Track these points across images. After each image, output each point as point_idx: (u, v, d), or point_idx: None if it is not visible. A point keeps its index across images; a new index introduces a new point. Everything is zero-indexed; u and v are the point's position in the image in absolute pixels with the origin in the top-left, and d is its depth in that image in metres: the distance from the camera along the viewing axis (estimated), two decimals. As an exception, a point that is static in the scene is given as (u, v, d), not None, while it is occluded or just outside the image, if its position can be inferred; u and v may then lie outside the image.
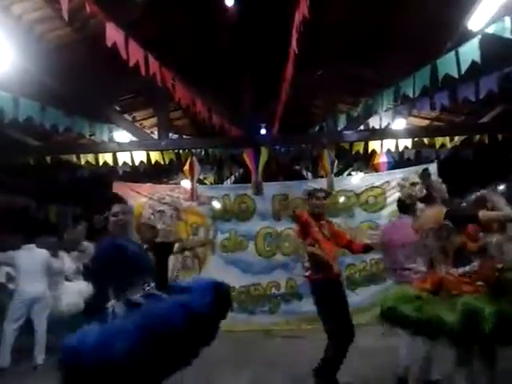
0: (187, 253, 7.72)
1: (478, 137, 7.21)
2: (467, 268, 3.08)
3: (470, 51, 3.72)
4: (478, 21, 4.29)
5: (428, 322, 2.86)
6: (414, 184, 3.44)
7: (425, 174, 3.65)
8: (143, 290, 2.93)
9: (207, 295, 2.83)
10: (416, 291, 3.14)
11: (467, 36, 4.05)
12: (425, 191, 3.38)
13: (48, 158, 7.33)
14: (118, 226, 3.20)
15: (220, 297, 2.92)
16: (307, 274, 4.13)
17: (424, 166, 7.55)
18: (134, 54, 3.81)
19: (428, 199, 3.38)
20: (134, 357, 2.45)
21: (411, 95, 4.80)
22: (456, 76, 3.96)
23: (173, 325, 2.58)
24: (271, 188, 7.66)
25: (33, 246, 5.88)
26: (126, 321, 2.65)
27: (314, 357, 4.08)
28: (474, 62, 3.69)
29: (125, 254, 2.99)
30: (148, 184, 8.68)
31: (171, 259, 7.64)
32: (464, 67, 3.79)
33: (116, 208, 3.27)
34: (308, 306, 7.05)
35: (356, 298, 7.21)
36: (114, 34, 3.56)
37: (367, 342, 5.86)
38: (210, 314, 2.79)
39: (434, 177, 7.28)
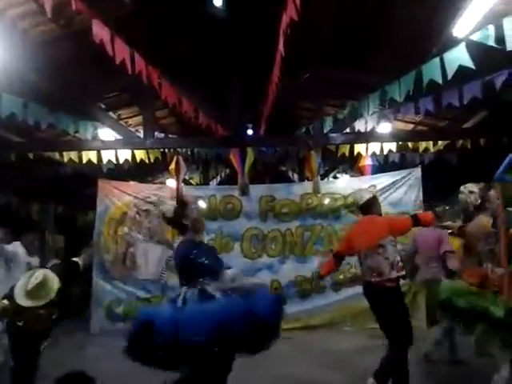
0: (172, 253, 7.67)
1: (461, 142, 7.33)
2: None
3: (458, 56, 3.76)
4: (463, 28, 4.35)
5: (480, 314, 3.37)
6: (471, 192, 3.99)
7: (485, 187, 4.03)
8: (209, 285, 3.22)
9: (274, 306, 3.17)
10: (466, 285, 3.70)
11: (452, 42, 4.11)
12: (479, 201, 3.92)
13: (31, 155, 7.22)
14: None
15: (281, 309, 3.30)
16: (381, 278, 3.78)
17: (409, 170, 7.66)
18: (120, 51, 3.77)
19: (481, 208, 3.91)
20: (203, 341, 2.78)
21: (398, 99, 4.85)
22: (440, 82, 4.01)
23: (241, 324, 2.91)
24: (258, 190, 7.67)
25: None
26: (202, 307, 3.02)
27: (298, 357, 4.10)
28: (460, 68, 3.74)
29: (201, 251, 3.37)
30: (133, 183, 8.61)
31: (157, 259, 7.62)
32: (450, 73, 3.83)
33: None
34: (292, 307, 7.11)
35: (340, 299, 7.28)
36: (100, 31, 3.52)
37: (354, 343, 5.89)
38: (273, 323, 3.12)
39: (418, 180, 7.42)
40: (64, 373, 3.13)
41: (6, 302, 3.56)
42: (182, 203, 3.75)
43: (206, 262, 3.30)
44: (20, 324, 3.56)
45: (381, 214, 4.18)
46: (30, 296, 3.51)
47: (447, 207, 9.34)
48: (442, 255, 5.01)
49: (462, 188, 4.13)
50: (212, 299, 3.13)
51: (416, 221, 3.94)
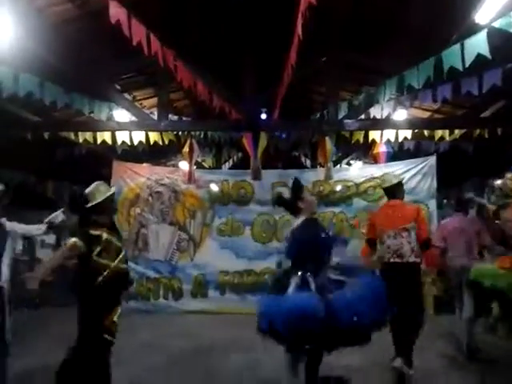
0: (183, 235, 7.78)
1: (478, 131, 7.21)
2: None
3: (477, 44, 3.68)
4: (485, 14, 4.24)
5: (499, 293, 3.74)
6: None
7: None
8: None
9: (383, 311, 3.30)
10: (495, 268, 3.98)
11: (474, 29, 4.01)
12: None
13: (46, 135, 7.29)
14: None
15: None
16: (401, 260, 4.15)
17: (423, 158, 7.58)
18: (137, 32, 3.76)
19: None
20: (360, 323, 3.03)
21: (416, 86, 4.77)
22: (460, 69, 3.93)
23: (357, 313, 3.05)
24: (270, 175, 7.68)
25: None
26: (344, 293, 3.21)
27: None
28: (479, 56, 3.66)
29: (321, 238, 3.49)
30: (147, 165, 8.68)
31: (168, 240, 7.72)
32: (469, 60, 3.75)
33: None
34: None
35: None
36: (116, 11, 3.51)
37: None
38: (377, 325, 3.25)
39: (433, 169, 7.35)
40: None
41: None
42: (297, 187, 3.82)
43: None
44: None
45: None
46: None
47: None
48: (479, 246, 5.21)
49: (506, 174, 4.40)
50: (343, 284, 3.33)
51: (427, 244, 4.29)
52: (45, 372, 2.90)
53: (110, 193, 3.60)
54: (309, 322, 2.97)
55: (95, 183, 3.64)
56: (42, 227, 4.98)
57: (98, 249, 3.40)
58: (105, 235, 3.47)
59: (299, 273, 3.34)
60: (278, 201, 3.88)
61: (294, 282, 3.31)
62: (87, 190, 3.58)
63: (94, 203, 3.48)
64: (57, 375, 3.15)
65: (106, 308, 3.38)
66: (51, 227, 5.45)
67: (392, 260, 4.16)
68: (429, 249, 4.38)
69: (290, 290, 3.26)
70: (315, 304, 3.06)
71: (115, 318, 3.37)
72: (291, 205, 3.72)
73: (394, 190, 4.51)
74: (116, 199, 7.67)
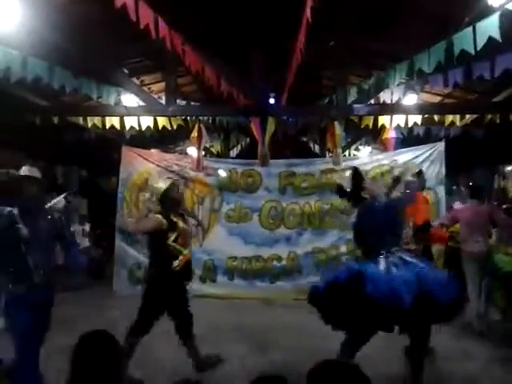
0: (191, 221, 7.81)
1: (489, 116, 7.10)
2: None
3: (489, 27, 3.60)
4: (499, -4, 4.14)
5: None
6: None
7: None
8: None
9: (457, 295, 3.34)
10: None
11: (487, 11, 3.92)
12: None
13: (55, 119, 7.32)
14: None
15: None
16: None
17: (432, 144, 7.50)
18: (144, 16, 3.72)
19: None
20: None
21: (426, 70, 4.69)
22: (472, 52, 3.86)
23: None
24: (278, 164, 7.67)
25: None
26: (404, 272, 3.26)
27: (312, 327, 4.17)
28: (491, 39, 3.58)
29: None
30: (156, 151, 8.69)
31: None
32: (480, 43, 3.68)
33: None
34: (308, 278, 7.18)
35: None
36: (123, -5, 3.47)
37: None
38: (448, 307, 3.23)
39: (442, 155, 7.27)
40: (86, 331, 3.27)
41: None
42: (357, 177, 3.87)
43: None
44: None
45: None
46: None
47: (471, 183, 9.19)
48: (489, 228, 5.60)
49: None
50: (414, 265, 3.35)
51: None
52: (59, 355, 2.94)
53: (170, 182, 4.00)
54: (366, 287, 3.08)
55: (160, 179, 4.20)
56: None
57: (175, 235, 3.70)
58: (181, 223, 3.80)
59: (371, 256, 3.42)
60: (340, 193, 3.93)
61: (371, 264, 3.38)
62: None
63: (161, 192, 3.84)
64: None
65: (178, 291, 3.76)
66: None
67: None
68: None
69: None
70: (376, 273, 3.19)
71: None
72: (354, 196, 3.74)
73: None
74: (125, 184, 7.80)
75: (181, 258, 3.70)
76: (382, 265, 3.32)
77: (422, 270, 3.31)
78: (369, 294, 3.07)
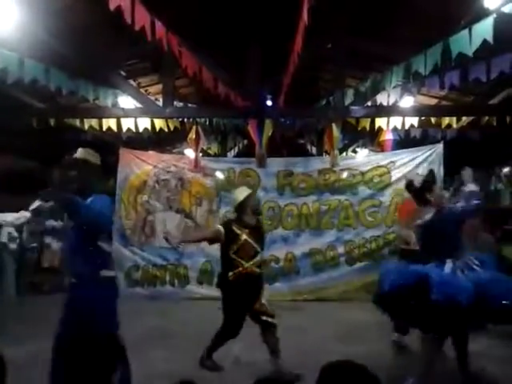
0: (189, 222, 7.82)
1: (486, 118, 7.12)
2: None
3: (483, 30, 3.63)
4: (494, -1, 4.16)
5: None
6: None
7: None
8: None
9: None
10: None
11: (483, 14, 3.94)
12: None
13: (52, 121, 7.31)
14: None
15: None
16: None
17: (430, 146, 7.52)
18: (140, 18, 3.73)
19: None
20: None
21: (423, 72, 4.71)
22: (469, 54, 3.88)
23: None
24: (276, 163, 7.67)
25: None
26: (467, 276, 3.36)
27: (310, 328, 4.17)
28: (486, 42, 3.60)
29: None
30: (153, 152, 8.69)
31: (175, 228, 7.75)
32: (475, 46, 3.70)
33: None
34: (305, 279, 7.19)
35: (354, 273, 7.33)
36: (119, -3, 3.47)
37: (364, 317, 5.99)
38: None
39: (440, 157, 7.28)
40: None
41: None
42: (430, 179, 3.92)
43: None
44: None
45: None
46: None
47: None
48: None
49: None
50: (476, 271, 3.46)
51: None
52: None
53: (248, 193, 3.95)
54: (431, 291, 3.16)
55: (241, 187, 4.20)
56: (23, 215, 5.01)
57: (235, 247, 3.79)
58: (244, 236, 3.81)
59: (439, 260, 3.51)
60: (409, 187, 3.95)
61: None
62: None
63: (237, 203, 3.91)
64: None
65: (241, 300, 3.83)
66: (38, 214, 5.46)
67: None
68: None
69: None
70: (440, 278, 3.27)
71: (257, 305, 3.85)
72: (420, 194, 3.79)
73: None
74: (123, 186, 7.80)
75: (239, 269, 3.79)
76: (450, 269, 3.44)
77: (484, 275, 3.42)
78: (435, 298, 3.17)
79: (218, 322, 5.12)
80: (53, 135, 8.02)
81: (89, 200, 2.89)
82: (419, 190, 3.78)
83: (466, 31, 3.86)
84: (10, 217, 7.57)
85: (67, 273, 3.06)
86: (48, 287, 8.05)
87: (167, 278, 7.56)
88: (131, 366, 3.12)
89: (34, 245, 8.13)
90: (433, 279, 3.24)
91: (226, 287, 3.91)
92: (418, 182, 3.80)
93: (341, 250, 7.38)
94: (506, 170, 8.81)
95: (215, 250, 7.40)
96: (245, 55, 7.20)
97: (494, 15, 3.55)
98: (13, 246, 7.68)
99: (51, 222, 8.47)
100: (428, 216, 3.68)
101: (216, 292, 7.34)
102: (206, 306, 6.69)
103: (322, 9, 4.40)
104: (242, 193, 3.96)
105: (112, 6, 3.38)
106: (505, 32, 3.55)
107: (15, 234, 7.75)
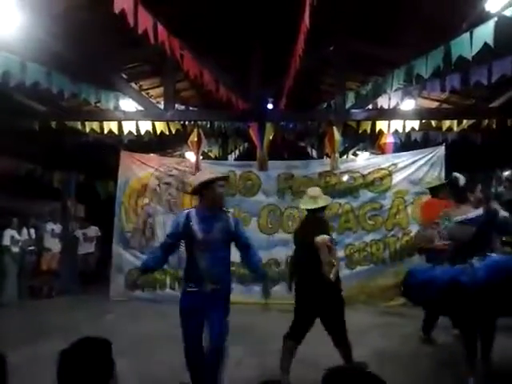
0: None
1: (486, 121, 7.13)
2: None
3: (484, 33, 3.64)
4: (495, 2, 4.18)
5: None
6: None
7: None
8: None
9: None
10: None
11: (484, 17, 3.95)
12: None
13: (53, 124, 7.31)
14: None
15: None
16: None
17: (432, 149, 7.52)
18: (143, 21, 3.73)
19: None
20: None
21: (424, 76, 4.72)
22: (470, 58, 3.89)
23: None
24: (277, 167, 7.67)
25: None
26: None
27: (311, 331, 4.14)
28: (486, 45, 3.61)
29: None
30: (154, 155, 8.70)
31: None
32: (476, 49, 3.71)
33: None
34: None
35: (354, 277, 7.31)
36: (122, 0, 3.48)
37: (365, 320, 5.97)
38: None
39: (441, 159, 7.27)
40: (80, 337, 3.22)
41: None
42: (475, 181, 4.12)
43: None
44: None
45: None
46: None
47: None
48: None
49: None
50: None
51: None
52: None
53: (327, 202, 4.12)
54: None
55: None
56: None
57: None
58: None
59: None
60: (452, 183, 3.99)
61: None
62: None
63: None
64: None
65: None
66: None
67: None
68: None
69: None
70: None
71: None
72: (461, 192, 3.85)
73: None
74: (123, 189, 7.80)
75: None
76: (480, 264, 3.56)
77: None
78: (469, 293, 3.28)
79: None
80: (54, 138, 8.04)
81: None
82: (462, 188, 3.83)
83: (467, 34, 3.87)
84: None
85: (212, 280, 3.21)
86: (47, 291, 8.06)
87: (167, 282, 7.54)
88: (132, 368, 3.12)
89: (33, 248, 8.13)
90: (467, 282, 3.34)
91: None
92: (462, 180, 3.86)
93: (341, 253, 7.36)
94: (507, 173, 8.81)
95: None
96: (246, 58, 7.22)
97: (496, 18, 3.55)
98: (15, 249, 7.69)
99: (51, 226, 8.48)
100: (471, 214, 3.75)
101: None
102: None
103: (323, 12, 4.40)
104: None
105: (116, 9, 3.39)
106: (506, 35, 3.55)
107: (18, 237, 7.76)
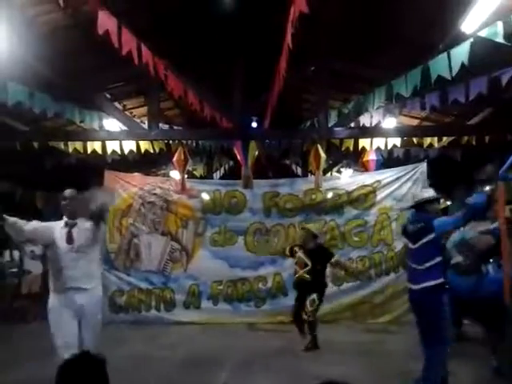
0: (175, 245, 7.73)
1: (466, 138, 7.30)
2: None
3: (461, 53, 3.76)
4: (471, 24, 4.33)
5: None
6: None
7: None
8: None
9: None
10: None
11: (460, 38, 4.08)
12: None
13: (36, 144, 7.23)
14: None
15: None
16: None
17: (414, 165, 7.64)
18: (127, 42, 3.76)
19: None
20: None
21: (404, 94, 4.83)
22: (448, 77, 4.00)
23: None
24: (262, 185, 7.69)
25: None
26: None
27: (295, 349, 4.12)
28: (463, 65, 3.73)
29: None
30: (138, 174, 8.64)
31: (160, 251, 7.64)
32: (455, 69, 3.82)
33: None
34: (293, 300, 7.12)
35: (341, 294, 7.30)
36: (106, 21, 3.51)
37: (351, 337, 5.95)
38: None
39: (424, 176, 7.38)
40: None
41: None
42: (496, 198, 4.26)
43: None
44: None
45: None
46: None
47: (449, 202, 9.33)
48: None
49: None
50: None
51: None
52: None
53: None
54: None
55: None
56: None
57: (295, 261, 5.86)
58: (299, 254, 5.81)
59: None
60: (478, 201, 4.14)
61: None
62: None
63: None
64: None
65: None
66: None
67: None
68: None
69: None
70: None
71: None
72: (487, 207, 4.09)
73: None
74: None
75: (296, 276, 5.80)
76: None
77: None
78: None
79: (204, 346, 5.03)
80: (37, 158, 7.94)
81: None
82: (487, 203, 4.02)
83: (444, 55, 3.99)
84: None
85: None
86: (32, 317, 7.79)
87: (152, 303, 7.42)
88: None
89: (14, 270, 7.95)
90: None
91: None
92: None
93: (327, 270, 7.36)
94: (487, 188, 8.99)
95: (202, 271, 7.44)
96: (229, 77, 7.29)
97: (471, 39, 3.67)
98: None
99: (30, 247, 8.28)
100: (493, 226, 4.30)
101: (203, 316, 7.32)
102: (193, 331, 6.61)
103: (305, 33, 4.49)
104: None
105: (100, 31, 3.41)
106: (481, 55, 3.67)
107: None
